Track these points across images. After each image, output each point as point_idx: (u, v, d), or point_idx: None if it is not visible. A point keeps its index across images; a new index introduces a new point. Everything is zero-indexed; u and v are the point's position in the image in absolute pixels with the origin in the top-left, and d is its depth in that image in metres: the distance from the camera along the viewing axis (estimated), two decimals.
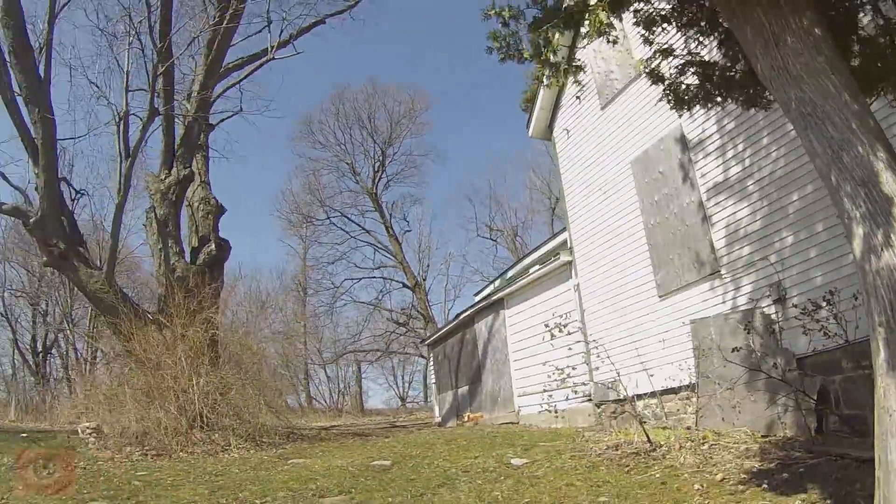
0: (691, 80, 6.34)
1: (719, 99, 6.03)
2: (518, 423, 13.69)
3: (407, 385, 49.61)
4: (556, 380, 12.27)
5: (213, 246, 15.81)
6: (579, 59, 6.57)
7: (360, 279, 41.25)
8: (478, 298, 19.57)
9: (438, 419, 18.55)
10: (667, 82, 6.51)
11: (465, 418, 15.79)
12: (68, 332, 34.64)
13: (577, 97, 11.54)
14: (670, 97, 6.17)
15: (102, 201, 37.18)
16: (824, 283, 7.94)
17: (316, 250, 42.31)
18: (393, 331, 40.44)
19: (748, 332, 8.55)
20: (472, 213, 60.19)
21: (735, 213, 9.39)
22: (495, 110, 69.26)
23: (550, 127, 13.83)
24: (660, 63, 6.46)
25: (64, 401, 21.54)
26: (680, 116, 9.35)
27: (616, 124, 11.81)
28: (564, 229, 14.97)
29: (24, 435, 13.47)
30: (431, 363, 19.96)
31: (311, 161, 41.91)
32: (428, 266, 44.34)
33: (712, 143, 9.76)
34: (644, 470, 7.05)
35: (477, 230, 44.66)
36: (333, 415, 34.06)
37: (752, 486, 5.89)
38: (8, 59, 13.49)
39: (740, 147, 9.28)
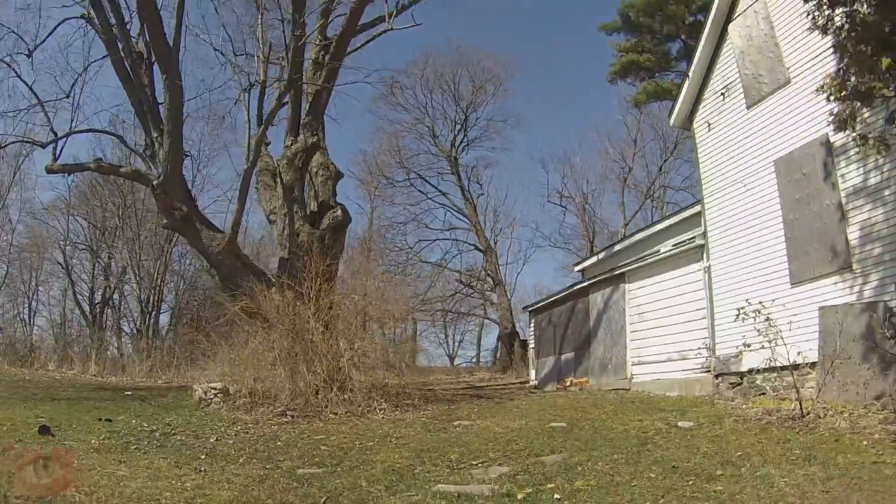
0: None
1: None
2: (630, 389, 16.17)
3: (457, 345, 52.76)
4: (678, 351, 14.84)
5: (338, 211, 17.63)
6: None
7: (434, 240, 44.47)
8: (579, 269, 22.26)
9: (535, 382, 21.08)
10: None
11: (569, 383, 18.23)
12: (135, 284, 37.34)
13: (723, 94, 14.00)
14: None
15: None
16: None
17: (387, 210, 45.69)
18: (459, 291, 43.20)
19: (870, 319, 10.96)
20: (544, 180, 63.18)
21: (871, 216, 11.69)
22: (576, 80, 72.76)
23: (691, 118, 16.13)
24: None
25: (139, 357, 23.92)
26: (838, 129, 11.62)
27: (761, 124, 14.07)
28: (678, 213, 17.49)
29: (129, 393, 14.61)
30: (532, 329, 22.40)
31: (391, 123, 44.96)
32: (501, 230, 47.67)
33: (855, 151, 12.02)
34: (810, 431, 9.48)
35: (547, 196, 47.39)
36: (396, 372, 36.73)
37: None
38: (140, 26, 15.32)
39: (881, 160, 11.55)
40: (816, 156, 12.78)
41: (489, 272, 41.76)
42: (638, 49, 36.97)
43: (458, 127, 43.83)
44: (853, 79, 7.64)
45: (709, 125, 15.56)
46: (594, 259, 22.95)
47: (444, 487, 7.24)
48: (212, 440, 9.37)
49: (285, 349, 12.75)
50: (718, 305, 14.55)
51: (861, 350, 10.98)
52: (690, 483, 7.58)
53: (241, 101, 17.42)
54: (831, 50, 12.09)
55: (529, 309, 23.46)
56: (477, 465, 8.41)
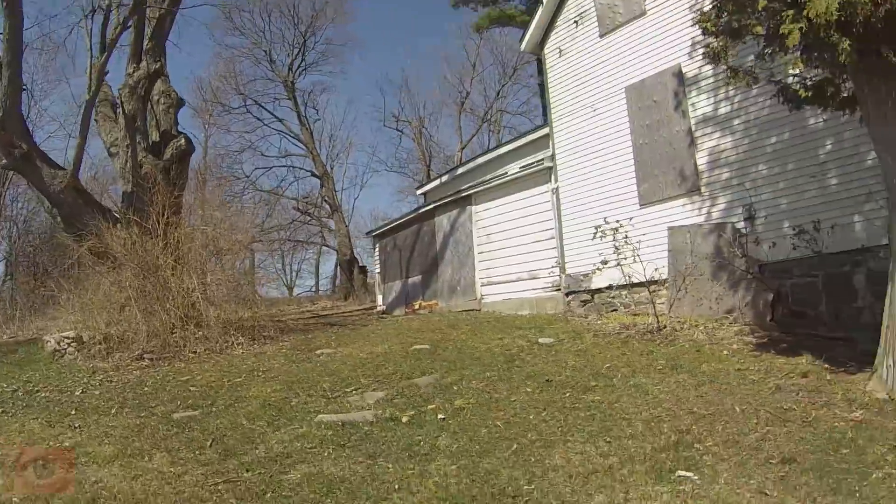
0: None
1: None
2: (480, 310, 16.64)
3: (295, 275, 52.22)
4: (528, 271, 15.39)
5: (182, 140, 16.77)
6: None
7: (270, 168, 43.36)
8: (421, 192, 22.39)
9: (383, 307, 21.18)
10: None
11: (417, 306, 18.49)
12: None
13: (576, 22, 14.36)
14: (781, 96, 8.59)
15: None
16: (788, 209, 11.42)
17: (222, 139, 43.86)
18: (296, 219, 42.56)
19: (719, 239, 11.87)
20: (382, 105, 62.88)
21: (719, 143, 12.56)
22: (421, 3, 73.39)
23: (542, 44, 16.37)
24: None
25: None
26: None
27: (614, 52, 14.54)
28: (523, 136, 18.11)
29: None
30: (377, 254, 22.40)
31: (228, 48, 42.99)
32: (337, 155, 47.56)
33: (707, 81, 12.77)
34: (671, 343, 10.29)
35: (384, 120, 47.22)
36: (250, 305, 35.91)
37: (764, 352, 9.31)
38: None
39: (731, 91, 12.31)
40: (668, 85, 13.44)
41: (326, 199, 41.25)
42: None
43: (295, 51, 42.35)
44: (726, 16, 8.01)
45: (560, 51, 15.91)
46: (437, 182, 23.14)
47: (326, 417, 7.25)
48: (77, 393, 8.77)
49: (137, 289, 12.19)
50: (567, 226, 15.15)
51: (711, 268, 11.92)
52: (567, 395, 7.99)
53: (82, 28, 16.18)
54: None
55: (374, 234, 23.40)
56: (351, 392, 8.45)
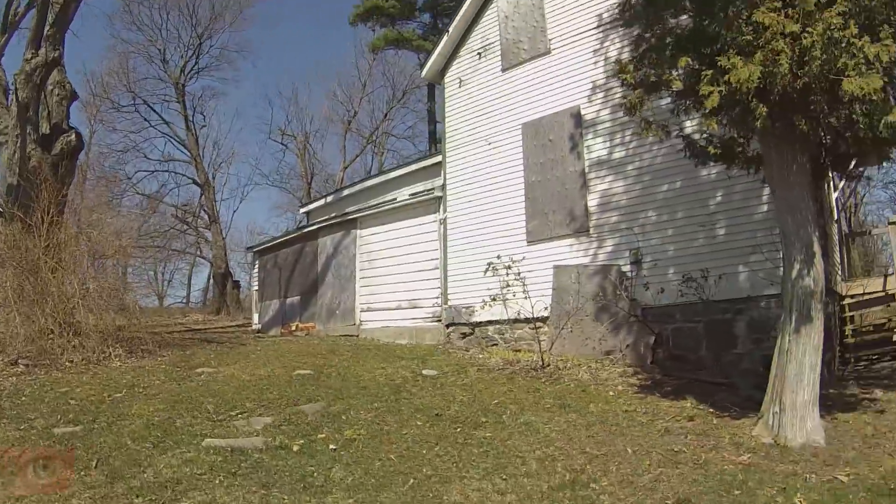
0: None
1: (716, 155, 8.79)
2: (359, 335, 16.33)
3: (166, 284, 50.60)
4: (409, 300, 15.31)
5: (72, 136, 16.00)
6: None
7: (153, 171, 41.99)
8: (304, 210, 22.08)
9: (258, 326, 20.52)
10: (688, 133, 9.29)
11: (294, 327, 17.99)
12: None
13: (479, 54, 14.55)
14: (689, 150, 8.90)
15: None
16: (675, 256, 11.86)
17: (107, 136, 41.91)
18: (174, 226, 41.24)
19: (605, 280, 12.16)
20: (269, 116, 61.72)
21: (611, 187, 12.93)
22: (320, 16, 74.20)
23: (443, 72, 16.39)
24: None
25: None
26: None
27: (514, 88, 14.77)
28: (414, 162, 18.21)
29: None
30: (256, 271, 21.76)
31: (124, 42, 41.18)
32: (220, 165, 46.55)
33: (604, 125, 13.17)
34: (556, 382, 10.35)
35: (270, 133, 46.59)
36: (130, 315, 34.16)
37: (648, 394, 9.53)
38: None
39: (628, 136, 12.73)
40: (566, 125, 13.75)
41: (206, 208, 40.18)
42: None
43: (190, 53, 41.40)
44: (644, 69, 8.27)
45: (461, 81, 16.01)
46: (321, 202, 22.74)
47: (214, 442, 6.91)
48: None
49: (15, 289, 11.44)
50: (453, 257, 15.14)
51: (595, 309, 12.19)
52: (458, 430, 7.90)
53: None
54: (594, 29, 13.19)
55: (255, 249, 22.76)
56: (237, 416, 8.04)
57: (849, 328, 11.23)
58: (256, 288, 21.53)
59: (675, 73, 7.76)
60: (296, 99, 50.04)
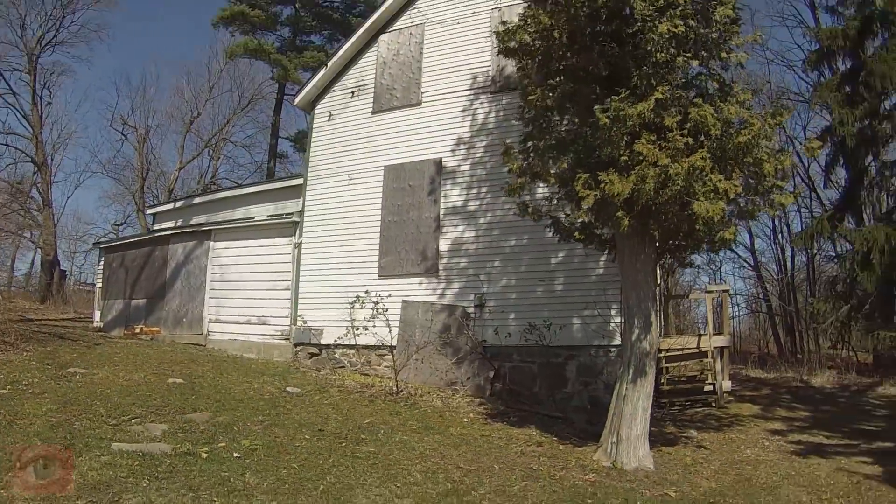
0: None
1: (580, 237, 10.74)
2: (206, 345, 17.20)
3: None
4: (258, 316, 16.58)
5: None
6: None
7: None
8: (152, 212, 22.79)
9: (99, 324, 20.54)
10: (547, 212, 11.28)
11: (139, 329, 18.32)
12: None
13: (353, 93, 16.26)
14: (555, 229, 10.92)
15: None
16: (516, 303, 14.14)
17: None
18: (6, 204, 38.78)
19: (450, 318, 14.14)
20: (115, 103, 58.64)
21: (463, 235, 15.03)
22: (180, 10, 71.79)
23: (315, 103, 17.83)
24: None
25: None
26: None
27: (382, 131, 16.58)
28: (271, 182, 19.63)
29: None
30: (102, 268, 21.71)
31: None
32: (58, 146, 43.96)
33: (463, 178, 15.27)
34: (414, 407, 12.20)
35: (111, 121, 45.08)
36: None
37: (497, 422, 11.69)
38: None
39: (484, 190, 14.85)
40: (427, 172, 15.73)
41: (40, 190, 38.22)
42: (252, 3, 37.62)
43: (49, 24, 39.12)
44: (530, 161, 10.35)
45: (330, 115, 17.53)
46: (170, 206, 23.20)
47: (122, 446, 7.67)
48: None
49: None
50: (305, 280, 16.58)
51: (440, 342, 14.22)
52: (344, 445, 9.53)
53: None
54: (466, 90, 15.21)
55: (102, 245, 22.63)
56: (130, 421, 8.90)
57: (664, 378, 13.80)
58: (100, 285, 21.55)
59: (553, 169, 9.84)
60: (143, 90, 48.79)
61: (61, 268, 36.77)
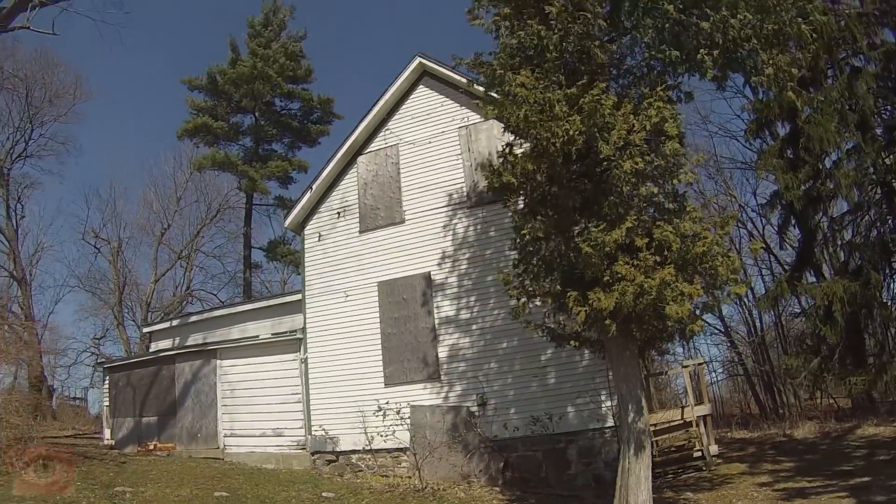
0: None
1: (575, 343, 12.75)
2: (224, 459, 18.73)
3: None
4: (273, 428, 18.25)
5: None
6: None
7: None
8: (148, 330, 24.65)
9: (111, 441, 21.89)
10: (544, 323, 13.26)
11: (153, 446, 19.72)
12: None
13: (339, 213, 18.26)
14: (551, 336, 12.81)
15: None
16: (514, 399, 16.08)
17: None
18: None
19: (456, 418, 15.96)
20: (85, 216, 60.06)
21: (458, 341, 17.04)
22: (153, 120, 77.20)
23: (303, 224, 19.98)
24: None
25: None
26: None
27: (371, 249, 18.71)
28: (269, 298, 21.49)
29: None
30: (107, 385, 23.24)
31: None
32: (37, 261, 45.58)
33: (452, 290, 17.33)
34: (441, 500, 13.96)
35: (84, 234, 46.88)
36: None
37: None
38: None
39: (472, 299, 16.84)
40: (417, 286, 17.78)
41: (21, 305, 39.48)
42: (214, 114, 40.50)
43: (18, 136, 41.19)
44: (527, 284, 12.37)
45: (320, 236, 19.61)
46: (167, 324, 25.05)
47: None
48: None
49: None
50: (315, 393, 18.34)
51: (449, 441, 16.02)
52: None
53: None
54: (445, 206, 17.26)
55: (106, 366, 24.21)
56: None
57: (655, 450, 15.61)
58: (107, 404, 22.95)
59: (545, 288, 11.85)
60: (113, 203, 50.38)
61: (48, 383, 37.77)
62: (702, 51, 11.13)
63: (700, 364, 17.96)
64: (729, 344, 36.10)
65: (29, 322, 38.68)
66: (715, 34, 11.07)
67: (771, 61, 11.36)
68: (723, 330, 35.67)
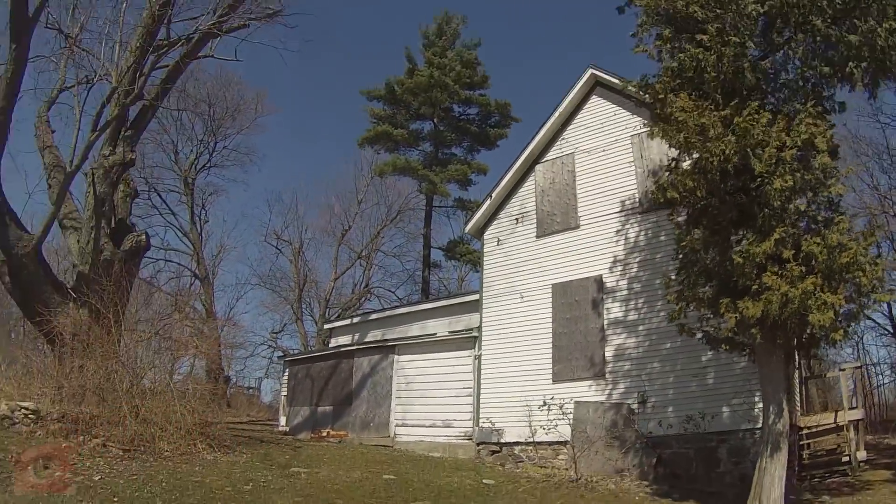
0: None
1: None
2: (393, 447, 21.46)
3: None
4: (443, 420, 20.78)
5: (142, 237, 20.41)
6: None
7: (157, 260, 45.98)
8: (328, 327, 28.51)
9: (285, 428, 25.28)
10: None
11: (325, 433, 22.72)
12: None
13: (517, 220, 20.55)
14: (707, 340, 14.46)
15: None
16: (673, 398, 17.72)
17: None
18: (170, 314, 45.04)
19: (616, 415, 17.94)
20: (267, 219, 67.53)
21: (625, 342, 18.84)
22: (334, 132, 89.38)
23: (483, 230, 22.56)
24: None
25: None
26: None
27: (546, 253, 20.89)
28: (446, 298, 24.12)
29: None
30: (286, 377, 26.84)
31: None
32: (220, 261, 52.02)
33: (622, 292, 19.17)
34: (593, 490, 15.84)
35: (266, 236, 53.13)
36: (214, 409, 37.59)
37: (663, 498, 15.22)
38: None
39: (641, 302, 18.74)
40: (589, 289, 19.76)
41: (204, 302, 44.97)
42: (393, 122, 44.90)
43: (202, 148, 47.27)
44: (684, 290, 14.18)
45: (498, 241, 22.08)
46: (347, 321, 28.64)
47: None
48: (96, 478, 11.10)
49: (102, 376, 14.54)
50: (485, 387, 20.71)
51: (607, 436, 17.94)
52: None
53: (75, 95, 19.05)
54: (617, 213, 19.26)
55: (287, 359, 27.88)
56: None
57: (806, 453, 16.87)
58: (285, 394, 26.41)
59: (701, 295, 13.72)
60: (295, 207, 55.80)
61: (225, 374, 42.02)
62: (850, 64, 12.53)
63: (857, 367, 18.85)
64: None
65: (210, 318, 43.35)
66: (863, 47, 12.41)
67: None
68: (891, 331, 35.62)
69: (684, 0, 13.49)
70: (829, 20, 12.70)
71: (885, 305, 34.19)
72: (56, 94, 20.14)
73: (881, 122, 33.20)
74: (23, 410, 13.40)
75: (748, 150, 12.35)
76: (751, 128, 12.29)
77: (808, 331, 12.63)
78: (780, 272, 12.09)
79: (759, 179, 12.49)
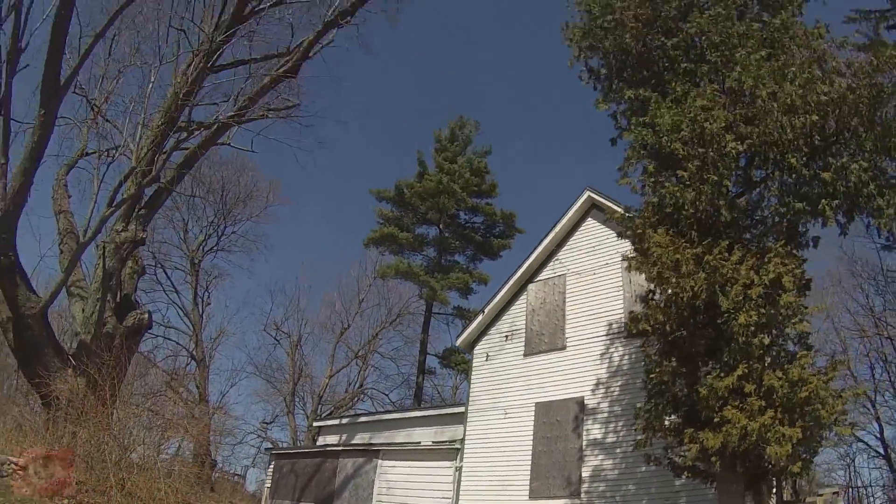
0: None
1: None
2: None
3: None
4: None
5: (145, 315, 21.37)
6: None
7: (156, 336, 46.45)
8: (317, 424, 29.49)
9: None
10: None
11: None
12: None
13: (507, 337, 21.74)
14: (671, 467, 15.47)
15: None
16: None
17: None
18: (163, 392, 45.88)
19: None
20: (269, 308, 68.64)
21: (602, 463, 19.68)
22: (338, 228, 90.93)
23: (473, 345, 23.69)
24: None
25: None
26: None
27: (532, 372, 21.88)
28: (432, 408, 25.25)
29: None
30: (272, 469, 27.78)
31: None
32: (216, 346, 52.40)
33: (602, 413, 20.09)
34: None
35: (265, 325, 54.15)
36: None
37: None
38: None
39: (620, 424, 19.70)
40: (571, 410, 20.70)
41: (198, 384, 45.72)
42: (400, 224, 46.82)
43: (209, 230, 48.76)
44: (649, 420, 15.22)
45: (487, 356, 23.18)
46: (336, 421, 29.68)
47: None
48: None
49: (93, 445, 15.42)
50: (464, 499, 21.38)
51: None
52: None
53: (95, 167, 20.47)
54: (603, 336, 20.43)
55: (273, 452, 28.95)
56: None
57: None
58: (269, 486, 27.30)
59: (667, 424, 14.77)
60: (297, 300, 57.06)
61: (211, 457, 42.56)
62: (823, 201, 13.53)
63: (835, 493, 19.55)
64: (888, 468, 36.06)
65: (202, 401, 44.19)
66: (836, 183, 13.54)
67: (889, 203, 13.48)
68: (883, 453, 35.86)
69: (668, 137, 14.71)
70: (804, 158, 13.91)
71: (877, 427, 34.97)
72: (76, 159, 21.71)
73: (876, 244, 34.50)
74: (12, 465, 14.21)
75: (716, 287, 13.45)
76: (720, 266, 13.43)
77: (768, 462, 13.47)
78: (740, 405, 13.00)
79: (725, 315, 13.49)
